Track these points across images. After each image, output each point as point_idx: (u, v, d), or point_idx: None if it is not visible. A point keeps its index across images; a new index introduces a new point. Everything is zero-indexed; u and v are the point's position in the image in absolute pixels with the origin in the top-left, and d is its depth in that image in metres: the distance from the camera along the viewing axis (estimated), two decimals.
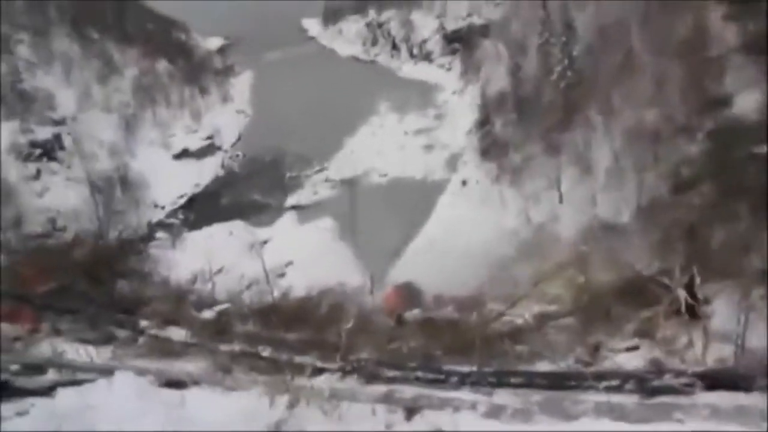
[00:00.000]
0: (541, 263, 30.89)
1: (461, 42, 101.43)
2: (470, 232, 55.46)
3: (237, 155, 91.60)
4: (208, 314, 20.64)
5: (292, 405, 8.54)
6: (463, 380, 12.48)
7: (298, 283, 33.13)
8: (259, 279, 43.23)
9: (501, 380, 12.26)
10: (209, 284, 34.51)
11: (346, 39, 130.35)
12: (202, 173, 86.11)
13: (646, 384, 10.99)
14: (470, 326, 18.58)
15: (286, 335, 17.80)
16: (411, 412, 10.10)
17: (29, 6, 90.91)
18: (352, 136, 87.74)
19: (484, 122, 72.40)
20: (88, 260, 25.51)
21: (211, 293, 30.57)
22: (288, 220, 71.29)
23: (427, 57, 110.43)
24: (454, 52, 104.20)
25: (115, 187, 68.60)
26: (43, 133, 75.69)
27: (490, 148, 68.19)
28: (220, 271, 43.07)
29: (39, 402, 7.72)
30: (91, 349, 15.60)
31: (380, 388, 12.04)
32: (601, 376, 11.56)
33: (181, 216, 76.50)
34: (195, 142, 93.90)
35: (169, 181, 79.56)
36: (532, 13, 71.03)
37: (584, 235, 44.33)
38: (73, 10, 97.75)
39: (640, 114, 48.83)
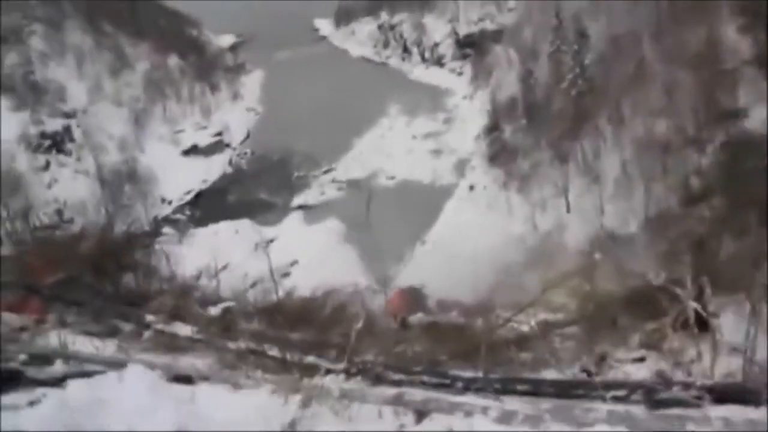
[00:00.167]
0: (548, 271, 30.77)
1: (473, 47, 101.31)
2: (477, 238, 55.32)
3: (245, 153, 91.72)
4: (213, 311, 20.74)
5: (305, 404, 8.55)
6: (469, 386, 12.43)
7: (303, 284, 33.15)
8: (264, 278, 43.16)
9: (507, 387, 12.20)
10: (214, 281, 34.61)
11: (358, 40, 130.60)
12: (210, 170, 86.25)
13: (654, 395, 10.93)
14: (476, 332, 18.56)
15: (290, 335, 17.81)
16: (421, 415, 10.09)
17: None
18: (360, 138, 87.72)
19: (493, 128, 72.33)
20: (94, 253, 25.64)
21: (215, 290, 30.67)
22: (294, 219, 71.35)
23: (439, 61, 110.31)
24: (465, 56, 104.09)
25: (123, 181, 68.81)
26: (54, 124, 76.25)
27: (499, 154, 68.17)
28: (225, 268, 43.09)
29: (50, 392, 7.76)
30: (96, 341, 15.64)
31: (389, 390, 12.01)
32: (608, 386, 11.52)
33: (187, 212, 76.77)
34: (204, 139, 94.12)
35: (176, 177, 79.71)
36: (545, 20, 71.06)
37: (591, 244, 44.15)
38: (87, 3, 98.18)
39: (651, 124, 48.77)
